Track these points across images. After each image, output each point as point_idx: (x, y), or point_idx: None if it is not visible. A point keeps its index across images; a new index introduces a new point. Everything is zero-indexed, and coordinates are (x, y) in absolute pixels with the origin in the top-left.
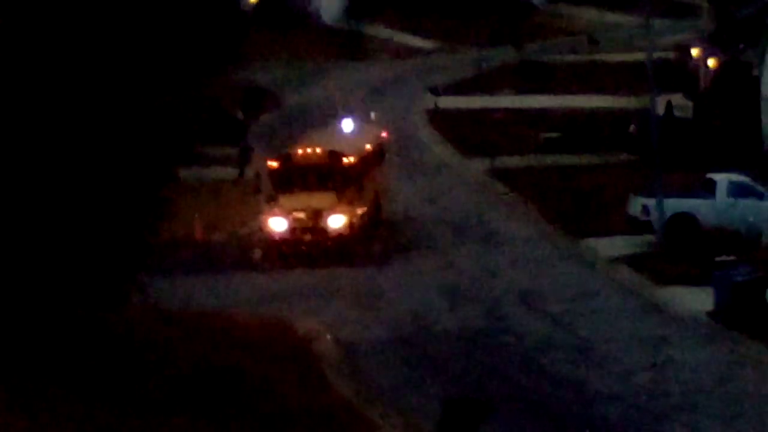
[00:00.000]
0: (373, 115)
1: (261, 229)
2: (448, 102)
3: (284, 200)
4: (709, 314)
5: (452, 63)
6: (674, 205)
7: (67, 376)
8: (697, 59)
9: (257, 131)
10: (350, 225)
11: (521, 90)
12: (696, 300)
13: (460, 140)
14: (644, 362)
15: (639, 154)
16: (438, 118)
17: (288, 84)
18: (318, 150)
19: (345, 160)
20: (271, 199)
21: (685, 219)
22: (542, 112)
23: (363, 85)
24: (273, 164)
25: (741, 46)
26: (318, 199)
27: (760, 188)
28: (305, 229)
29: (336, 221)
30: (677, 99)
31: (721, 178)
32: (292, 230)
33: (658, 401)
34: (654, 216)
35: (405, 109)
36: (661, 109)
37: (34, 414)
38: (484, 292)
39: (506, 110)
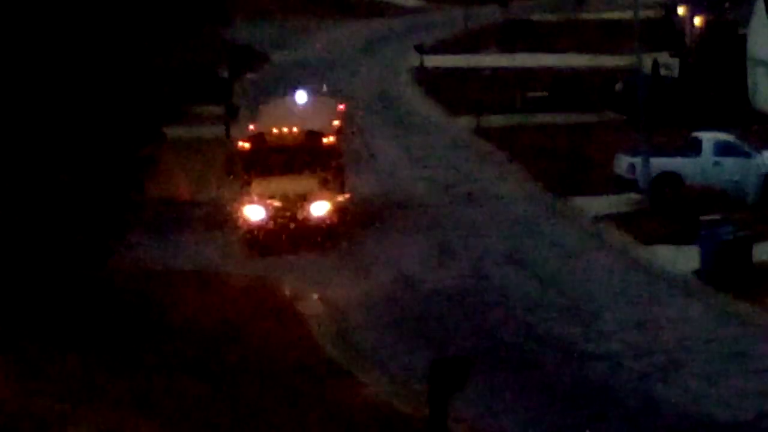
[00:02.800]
0: (325, 87)
1: (234, 217)
2: (434, 60)
3: (260, 186)
4: (695, 273)
5: (439, 21)
6: (660, 163)
7: (58, 336)
8: (683, 18)
9: (243, 90)
10: (334, 212)
11: (507, 49)
12: (682, 259)
13: (446, 99)
14: (630, 321)
15: (625, 113)
16: (424, 77)
17: (274, 42)
18: (294, 129)
19: (325, 140)
20: (246, 185)
21: (671, 178)
22: (528, 71)
23: (349, 44)
24: (244, 145)
25: (726, 4)
26: (298, 184)
27: (745, 147)
28: (285, 218)
29: (319, 208)
30: (663, 58)
31: (707, 137)
32: (271, 219)
33: (644, 360)
34: (640, 175)
35: (391, 67)
36: (647, 68)
37: (32, 373)
38: (471, 251)
39: (492, 69)
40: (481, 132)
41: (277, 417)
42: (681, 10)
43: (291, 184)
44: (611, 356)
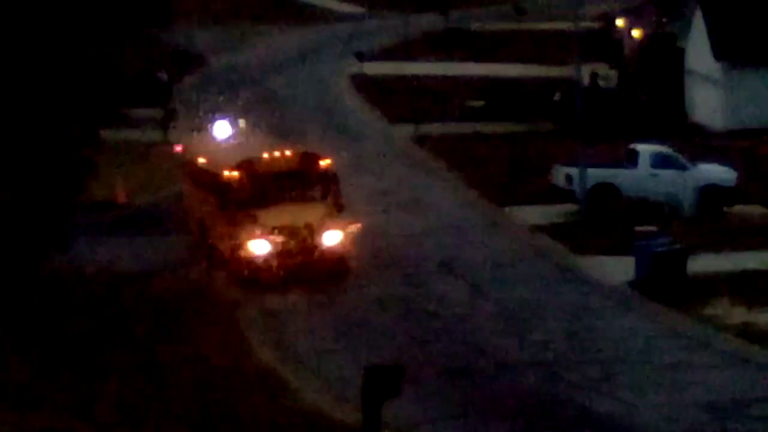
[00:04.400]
0: (241, 122)
1: (236, 252)
2: (373, 68)
3: (264, 217)
4: (630, 284)
5: (379, 29)
6: (597, 174)
7: None
8: (622, 30)
9: (182, 93)
10: (347, 242)
11: (447, 57)
12: (617, 269)
13: (386, 106)
14: (565, 331)
15: (563, 123)
16: (363, 84)
17: (215, 46)
18: (287, 152)
19: (321, 162)
20: (241, 217)
21: (608, 189)
22: (468, 80)
23: (290, 49)
24: (233, 175)
25: (664, 19)
26: (303, 213)
27: (682, 159)
28: (293, 252)
29: (331, 238)
30: (602, 69)
31: (644, 149)
32: (277, 254)
33: (578, 370)
34: (577, 185)
35: (331, 74)
36: (585, 79)
37: None
38: (407, 259)
39: (433, 78)
40: (419, 140)
41: (209, 422)
42: (620, 23)
43: (295, 214)
44: (545, 366)
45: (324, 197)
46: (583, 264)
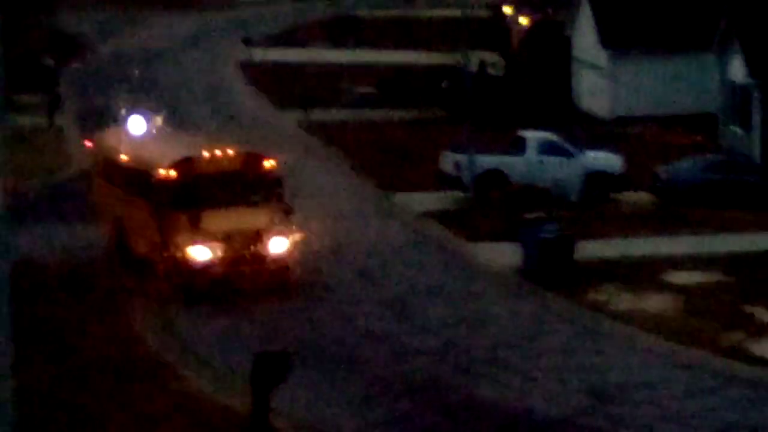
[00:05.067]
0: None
1: (172, 258)
2: (262, 54)
3: (206, 222)
4: (518, 270)
5: (268, 15)
6: (485, 161)
7: None
8: (510, 17)
9: (69, 79)
10: (293, 251)
11: (337, 44)
12: (504, 256)
13: (274, 93)
14: (453, 317)
15: (452, 110)
16: (252, 70)
17: (103, 32)
18: (229, 151)
19: (266, 163)
20: (187, 221)
21: (495, 175)
22: (357, 67)
23: (179, 35)
24: (170, 174)
25: (549, 9)
26: (248, 218)
27: (568, 146)
28: (237, 260)
29: (278, 245)
30: (491, 56)
31: (531, 136)
32: (223, 261)
33: (466, 356)
34: (465, 172)
35: (219, 60)
36: (474, 67)
37: None
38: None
39: (323, 65)
40: (308, 127)
41: (96, 409)
42: (507, 10)
43: (239, 219)
44: (434, 352)
45: (268, 201)
46: (472, 250)
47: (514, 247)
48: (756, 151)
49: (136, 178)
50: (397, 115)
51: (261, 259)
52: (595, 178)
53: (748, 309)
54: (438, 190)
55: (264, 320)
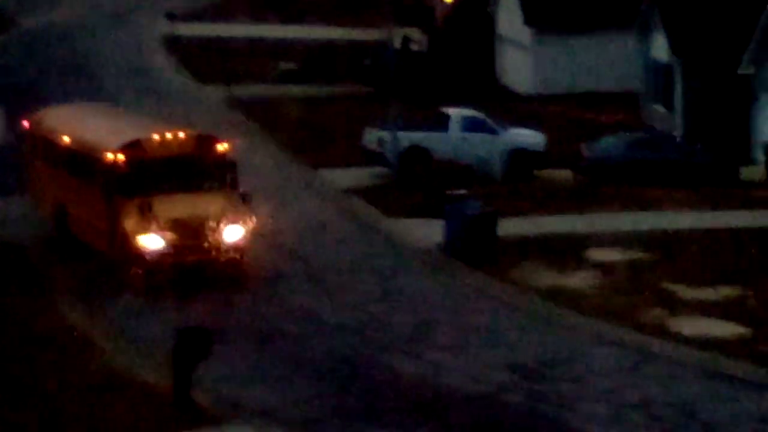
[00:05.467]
0: None
1: (122, 246)
2: (185, 29)
3: (158, 208)
4: (440, 247)
5: None
6: (408, 138)
7: None
8: None
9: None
10: (248, 240)
11: (260, 19)
12: (427, 232)
13: (197, 68)
14: (375, 293)
15: (375, 86)
16: (176, 45)
17: (24, 6)
18: (181, 134)
19: (219, 147)
20: (138, 207)
21: (419, 152)
22: (281, 42)
23: (100, 10)
24: (119, 158)
25: None
26: (201, 205)
27: (492, 123)
28: (192, 248)
29: (233, 234)
30: (414, 33)
31: (454, 113)
32: (175, 250)
33: (388, 332)
34: (388, 148)
35: (142, 34)
36: (397, 43)
37: None
38: None
39: (246, 40)
40: (232, 102)
41: (13, 384)
42: None
43: (192, 205)
44: (356, 328)
45: (222, 187)
46: (395, 227)
47: (437, 223)
48: (678, 129)
49: (81, 161)
50: (321, 91)
51: (215, 248)
52: (518, 155)
53: (669, 286)
54: (362, 166)
55: (182, 296)
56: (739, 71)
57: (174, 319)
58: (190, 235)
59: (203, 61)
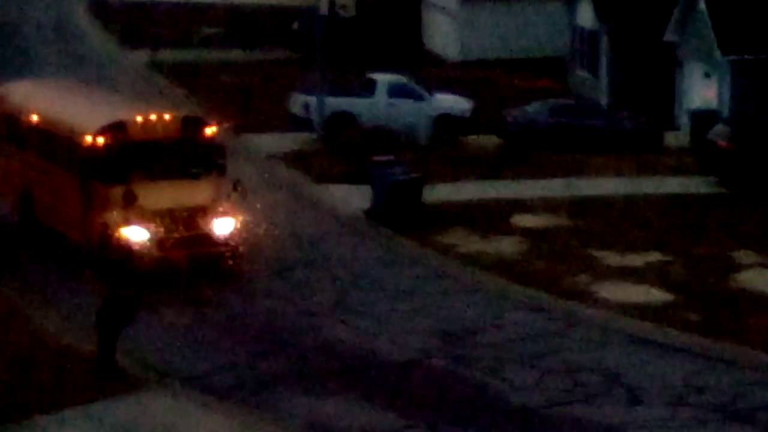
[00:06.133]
0: None
1: (102, 238)
2: None
3: (144, 197)
4: (367, 212)
5: None
6: (334, 103)
7: None
8: None
9: None
10: (239, 232)
11: None
12: (353, 198)
13: (121, 31)
14: (302, 259)
15: (302, 51)
16: (100, 10)
17: None
18: (166, 116)
19: (207, 130)
20: (120, 196)
21: (345, 117)
22: (205, 6)
23: None
24: (99, 141)
25: None
26: (189, 194)
27: (418, 89)
28: (180, 241)
29: (224, 226)
30: None
31: (382, 79)
32: (162, 243)
33: (314, 298)
34: (314, 114)
35: None
36: (324, 8)
37: None
38: None
39: (170, 3)
40: (156, 66)
41: None
42: None
43: (179, 194)
44: (283, 294)
45: (209, 173)
46: (321, 192)
47: (363, 189)
48: (603, 96)
49: (53, 143)
50: (247, 56)
51: (205, 241)
52: (444, 120)
53: (594, 252)
54: (287, 131)
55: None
56: (664, 38)
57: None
58: (178, 226)
59: (129, 25)
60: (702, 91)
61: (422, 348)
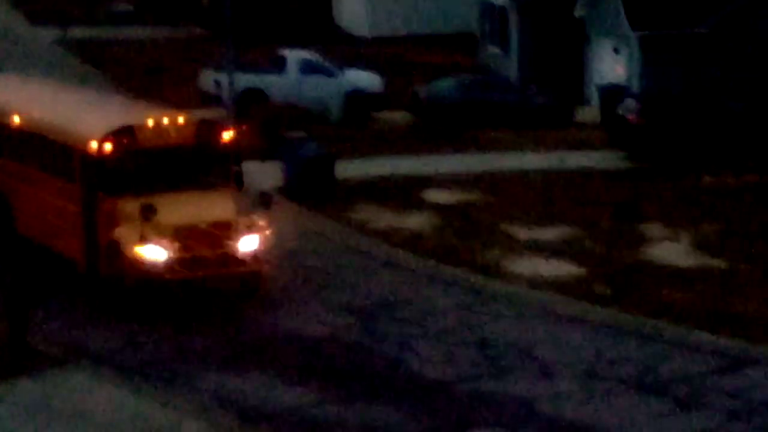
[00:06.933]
0: None
1: (110, 256)
2: None
3: (162, 211)
4: (279, 189)
5: None
6: (245, 80)
7: None
8: None
9: None
10: (264, 251)
11: None
12: (265, 175)
13: (29, 8)
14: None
15: (212, 28)
16: None
17: None
18: (180, 119)
19: (225, 135)
20: (146, 209)
21: (256, 94)
22: None
23: None
24: (106, 147)
25: None
26: (211, 205)
27: (329, 66)
28: (201, 261)
29: (248, 244)
30: None
31: (292, 55)
32: (181, 263)
33: None
34: (225, 90)
35: None
36: None
37: None
38: None
39: None
40: (66, 44)
41: None
42: None
43: (198, 207)
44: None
45: (227, 183)
46: None
47: (275, 165)
48: (513, 71)
49: (43, 149)
50: (156, 32)
51: (229, 260)
52: (355, 97)
53: (506, 227)
54: (198, 109)
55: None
56: (574, 14)
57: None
58: (200, 244)
59: (35, 1)
60: (611, 66)
61: (336, 324)
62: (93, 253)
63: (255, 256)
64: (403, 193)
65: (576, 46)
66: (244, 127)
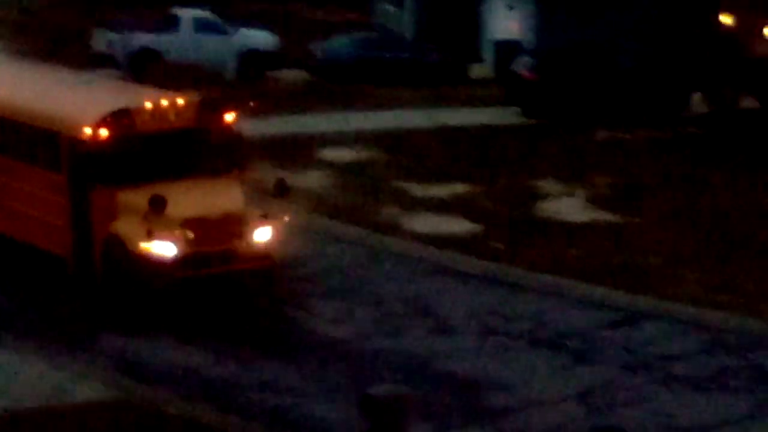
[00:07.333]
0: None
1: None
2: None
3: (170, 202)
4: None
5: None
6: (138, 39)
7: None
8: None
9: None
10: (278, 242)
11: None
12: None
13: None
14: None
15: None
16: None
17: None
18: (180, 100)
19: (227, 116)
20: (155, 206)
21: (150, 54)
22: None
23: None
24: (100, 133)
25: None
26: (219, 195)
27: (223, 24)
28: (211, 256)
29: (262, 236)
30: None
31: (185, 14)
32: (189, 259)
33: None
34: (118, 51)
35: None
36: None
37: None
38: None
39: None
40: None
41: None
42: None
43: (205, 196)
44: None
45: (232, 169)
46: None
47: None
48: (409, 29)
49: (24, 136)
50: None
51: (240, 255)
52: (250, 56)
53: (401, 184)
54: (91, 69)
55: None
56: None
57: None
58: (210, 237)
59: None
60: (506, 22)
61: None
62: (84, 251)
63: (266, 250)
64: (299, 151)
65: (471, 3)
66: (253, 104)
